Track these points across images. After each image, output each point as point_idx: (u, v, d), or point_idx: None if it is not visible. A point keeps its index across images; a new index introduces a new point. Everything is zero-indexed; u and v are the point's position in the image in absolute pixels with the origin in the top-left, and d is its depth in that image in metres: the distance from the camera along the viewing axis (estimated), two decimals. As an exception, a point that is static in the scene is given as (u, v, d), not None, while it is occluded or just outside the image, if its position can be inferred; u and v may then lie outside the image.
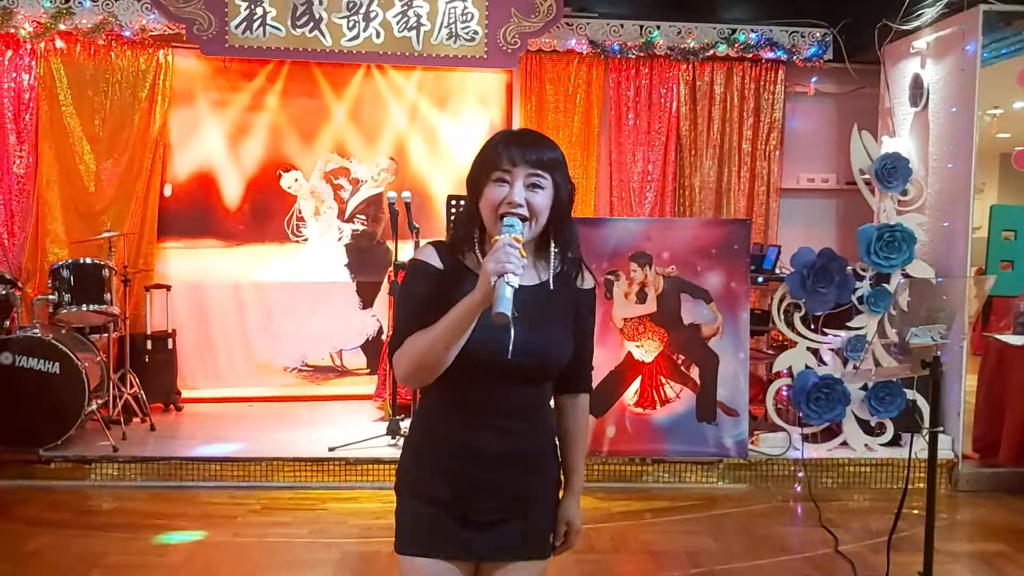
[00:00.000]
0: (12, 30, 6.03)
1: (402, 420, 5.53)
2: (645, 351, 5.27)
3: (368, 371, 6.88)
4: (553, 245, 1.98)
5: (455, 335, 1.81)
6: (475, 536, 1.99)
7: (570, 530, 2.15)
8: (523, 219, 1.87)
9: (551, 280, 1.99)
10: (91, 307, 5.51)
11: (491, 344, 1.86)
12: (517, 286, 1.74)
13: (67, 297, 5.46)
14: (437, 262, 1.96)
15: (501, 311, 1.69)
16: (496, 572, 2.04)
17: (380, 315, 6.80)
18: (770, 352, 6.11)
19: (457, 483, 1.98)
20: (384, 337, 6.60)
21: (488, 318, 1.72)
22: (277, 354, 6.84)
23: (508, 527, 2.01)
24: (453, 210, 5.65)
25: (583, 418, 2.17)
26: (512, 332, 1.84)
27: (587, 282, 2.07)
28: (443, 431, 2.00)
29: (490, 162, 1.91)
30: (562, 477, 2.14)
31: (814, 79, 6.87)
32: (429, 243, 2.01)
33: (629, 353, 5.26)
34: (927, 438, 3.07)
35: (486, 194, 1.90)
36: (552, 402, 2.13)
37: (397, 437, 5.43)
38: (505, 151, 1.89)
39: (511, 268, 1.73)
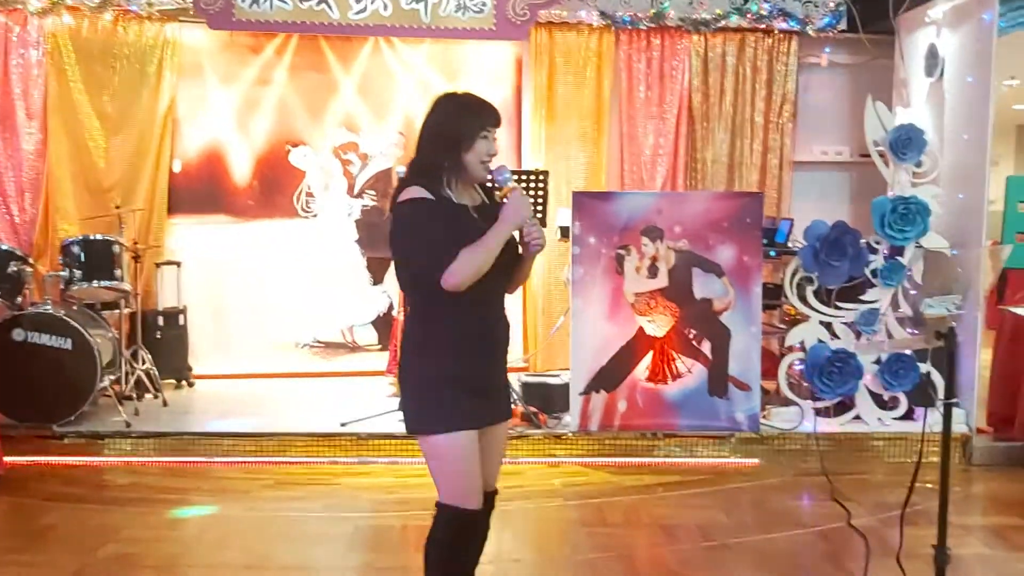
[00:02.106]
0: (19, 6, 6.00)
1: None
2: (657, 326, 5.24)
3: (379, 347, 6.88)
4: None
5: (494, 254, 2.55)
6: (487, 405, 2.69)
7: None
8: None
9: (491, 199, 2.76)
10: (102, 283, 5.51)
11: None
12: None
13: (78, 273, 5.46)
14: (430, 196, 2.57)
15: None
16: (491, 432, 2.73)
17: (390, 291, 6.78)
18: (782, 326, 6.07)
19: (482, 366, 2.67)
20: (395, 313, 6.58)
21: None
22: (288, 330, 6.84)
23: (501, 395, 2.78)
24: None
25: None
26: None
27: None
28: (466, 330, 2.62)
29: (481, 123, 2.62)
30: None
31: (827, 50, 6.77)
32: (414, 186, 2.58)
33: (640, 328, 5.24)
34: (942, 411, 3.04)
35: (478, 147, 2.61)
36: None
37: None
38: (489, 116, 2.66)
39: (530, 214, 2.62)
